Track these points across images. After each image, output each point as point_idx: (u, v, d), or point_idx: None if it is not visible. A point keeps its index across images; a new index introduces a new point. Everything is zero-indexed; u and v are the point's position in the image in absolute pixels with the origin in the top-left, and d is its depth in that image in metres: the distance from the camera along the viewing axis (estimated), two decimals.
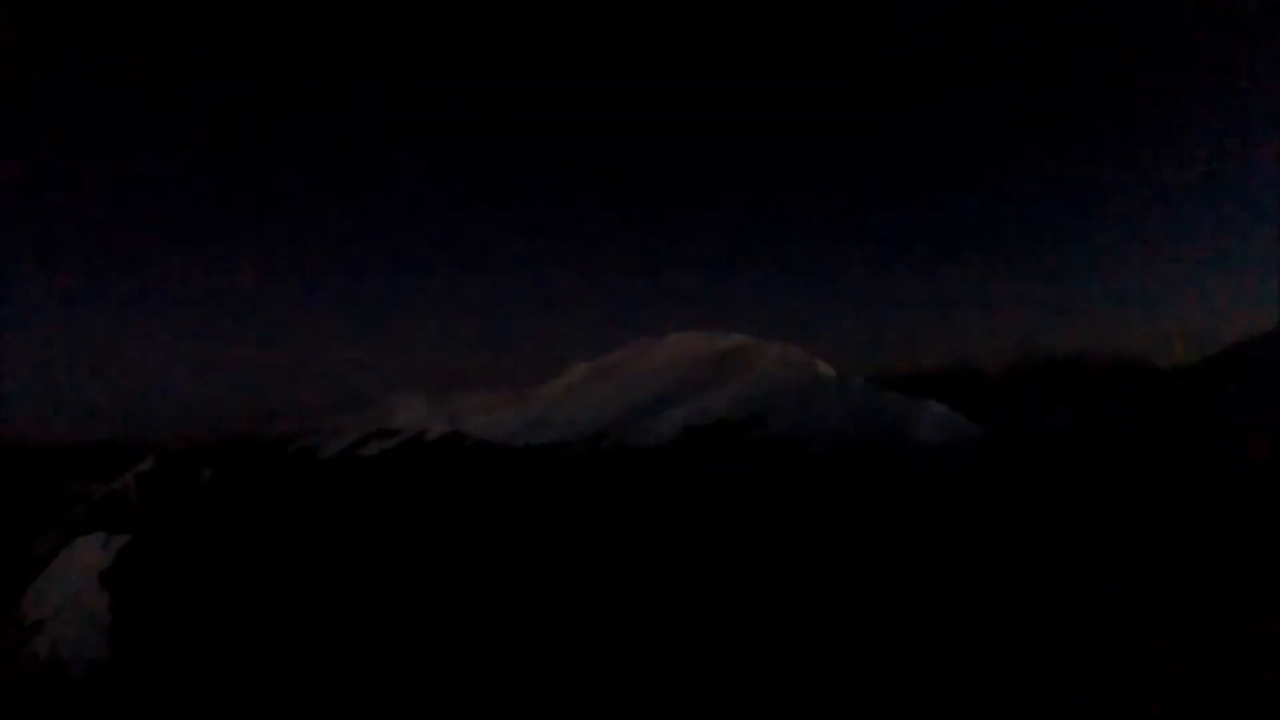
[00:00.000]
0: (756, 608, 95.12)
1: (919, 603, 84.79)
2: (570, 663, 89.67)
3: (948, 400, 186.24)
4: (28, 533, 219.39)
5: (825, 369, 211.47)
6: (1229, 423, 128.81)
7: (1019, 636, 58.24)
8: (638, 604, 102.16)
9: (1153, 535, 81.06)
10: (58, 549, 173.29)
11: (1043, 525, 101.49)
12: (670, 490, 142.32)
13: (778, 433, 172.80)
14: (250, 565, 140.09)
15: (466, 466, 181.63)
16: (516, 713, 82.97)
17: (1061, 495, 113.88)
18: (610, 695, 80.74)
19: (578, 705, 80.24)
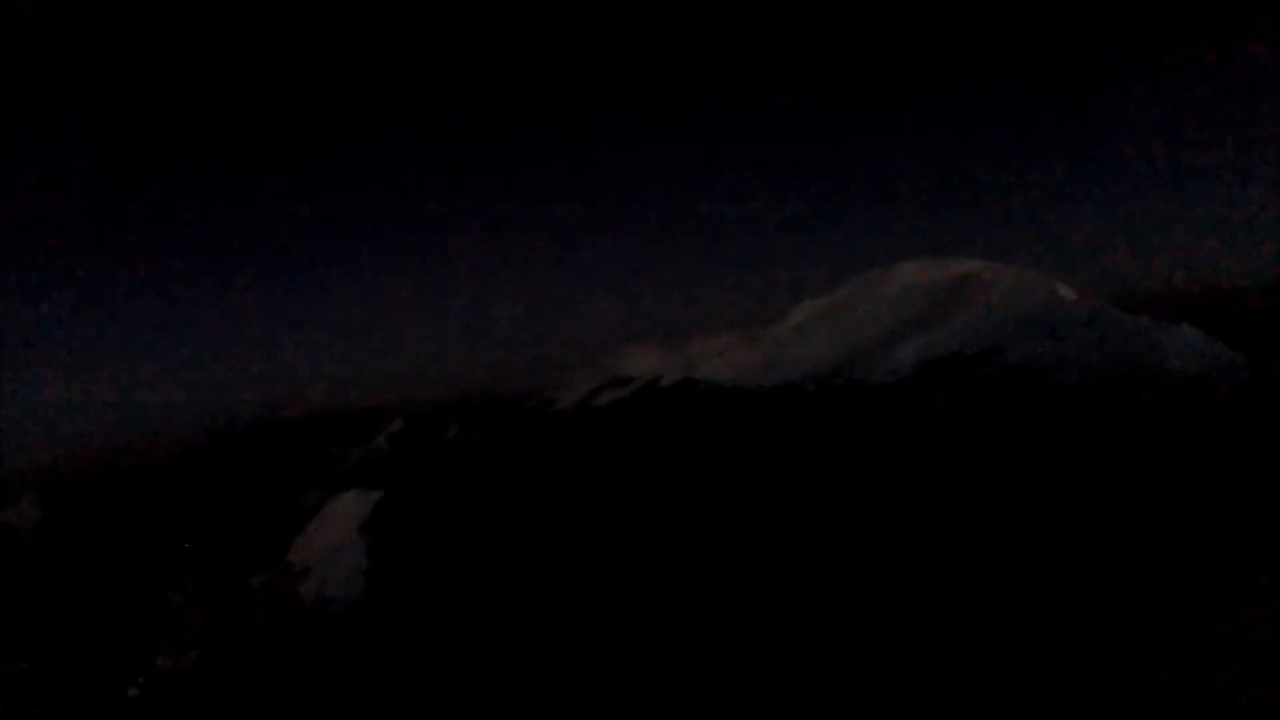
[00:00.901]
0: (1018, 540, 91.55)
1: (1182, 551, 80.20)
2: (821, 598, 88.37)
3: (1203, 324, 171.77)
4: (296, 491, 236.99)
5: (1066, 292, 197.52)
6: None
7: None
8: (889, 542, 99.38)
9: None
10: (321, 504, 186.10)
11: None
12: (907, 427, 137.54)
13: (1017, 364, 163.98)
14: (493, 514, 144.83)
15: (701, 411, 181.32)
16: (764, 640, 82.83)
17: None
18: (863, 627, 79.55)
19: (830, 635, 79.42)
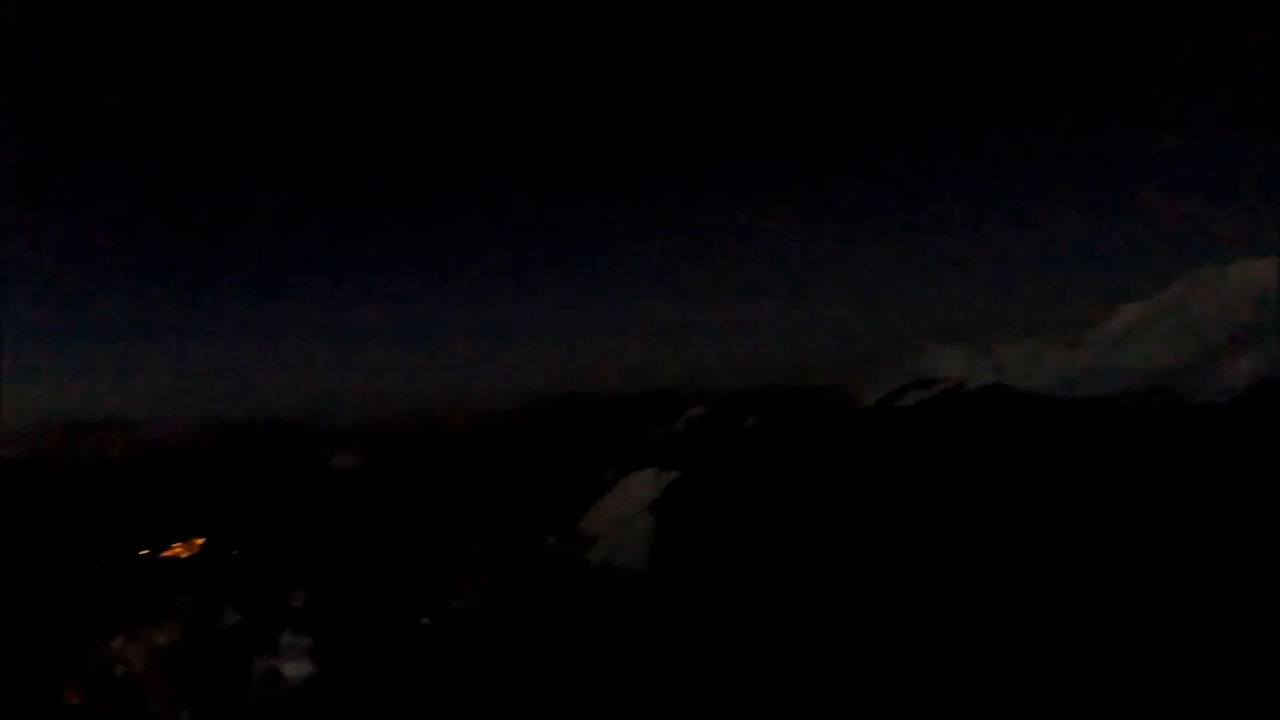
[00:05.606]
0: None
1: None
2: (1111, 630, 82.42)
3: None
4: (596, 465, 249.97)
5: None
6: None
7: None
8: (1194, 582, 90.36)
9: None
10: (617, 479, 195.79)
11: None
12: (1235, 457, 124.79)
13: None
14: (782, 505, 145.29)
15: (1007, 420, 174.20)
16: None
17: None
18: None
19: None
